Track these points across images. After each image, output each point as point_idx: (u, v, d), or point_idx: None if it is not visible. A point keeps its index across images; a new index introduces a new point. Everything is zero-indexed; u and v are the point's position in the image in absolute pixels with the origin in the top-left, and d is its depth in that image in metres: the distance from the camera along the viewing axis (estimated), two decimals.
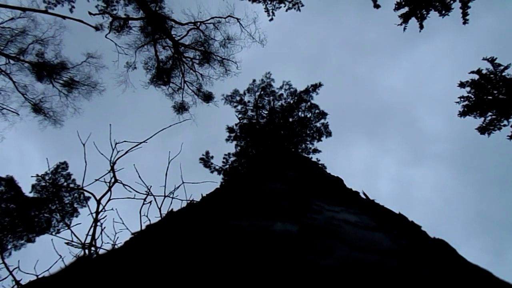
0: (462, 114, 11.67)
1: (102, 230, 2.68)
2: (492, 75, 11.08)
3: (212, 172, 12.67)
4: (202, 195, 1.64)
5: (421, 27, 10.45)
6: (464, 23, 9.64)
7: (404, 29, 10.57)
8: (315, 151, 12.64)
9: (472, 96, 11.48)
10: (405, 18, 10.53)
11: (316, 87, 12.62)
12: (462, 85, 11.58)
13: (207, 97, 14.97)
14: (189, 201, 2.92)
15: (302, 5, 12.21)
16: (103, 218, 2.75)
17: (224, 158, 12.88)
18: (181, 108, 15.13)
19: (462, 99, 11.66)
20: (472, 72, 11.27)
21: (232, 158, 12.83)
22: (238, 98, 13.22)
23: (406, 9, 10.42)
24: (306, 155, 12.14)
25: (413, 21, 10.53)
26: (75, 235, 2.61)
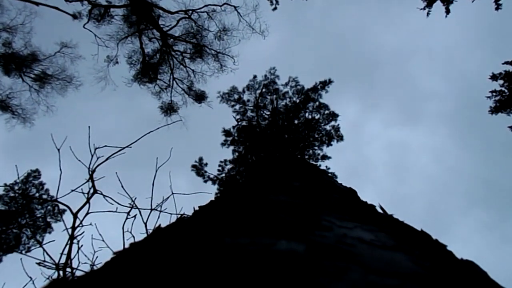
0: (494, 110, 11.58)
1: (79, 248, 2.67)
2: None
3: (205, 181, 12.67)
4: (194, 208, 1.63)
5: (448, 11, 10.48)
6: (497, 8, 9.67)
7: (428, 14, 10.59)
8: (324, 157, 12.66)
9: (506, 90, 11.43)
10: (429, 1, 10.55)
11: (325, 84, 12.67)
12: (494, 77, 11.51)
13: (200, 97, 15.01)
14: (179, 215, 2.91)
15: None
16: (80, 234, 2.74)
17: (219, 165, 12.88)
18: (169, 109, 15.16)
19: (493, 94, 11.59)
20: (506, 62, 11.22)
21: (229, 166, 12.83)
22: (236, 96, 13.26)
23: None
24: (313, 162, 12.14)
25: (438, 4, 10.56)
26: (48, 254, 2.60)
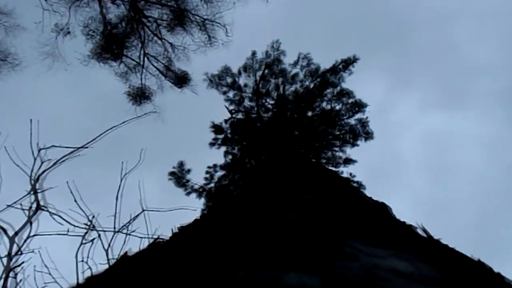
0: None
1: (17, 283, 2.67)
2: None
3: (188, 193, 12.67)
4: (173, 229, 1.64)
5: None
6: None
7: None
8: (347, 161, 12.66)
9: None
10: None
11: (348, 63, 12.66)
12: None
13: (180, 79, 14.99)
14: (153, 239, 2.91)
15: None
16: (20, 265, 2.74)
17: (207, 172, 12.88)
18: (140, 95, 15.15)
19: None
20: None
21: (220, 173, 12.83)
22: (229, 79, 13.26)
23: None
24: (333, 168, 12.14)
25: None
26: None
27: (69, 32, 14.76)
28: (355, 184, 11.67)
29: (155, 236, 3.02)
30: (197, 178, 12.83)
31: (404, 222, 1.81)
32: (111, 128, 3.45)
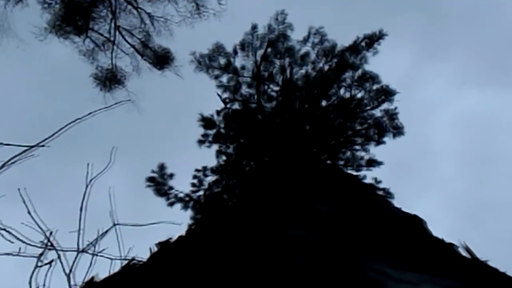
0: None
1: None
2: None
3: (171, 204, 12.68)
4: (151, 249, 1.65)
5: None
6: None
7: None
8: (371, 163, 12.66)
9: None
10: None
11: (373, 40, 12.63)
12: None
13: (161, 59, 14.99)
14: (126, 262, 2.92)
15: None
16: None
17: (195, 177, 12.90)
18: (110, 79, 15.15)
19: None
20: None
21: (211, 177, 12.84)
22: (222, 61, 13.26)
23: None
24: (353, 171, 12.14)
25: None
26: None
27: (21, 0, 14.77)
28: (380, 192, 11.66)
29: (129, 257, 3.03)
30: (182, 184, 12.85)
31: (442, 240, 1.82)
32: (74, 121, 3.45)
